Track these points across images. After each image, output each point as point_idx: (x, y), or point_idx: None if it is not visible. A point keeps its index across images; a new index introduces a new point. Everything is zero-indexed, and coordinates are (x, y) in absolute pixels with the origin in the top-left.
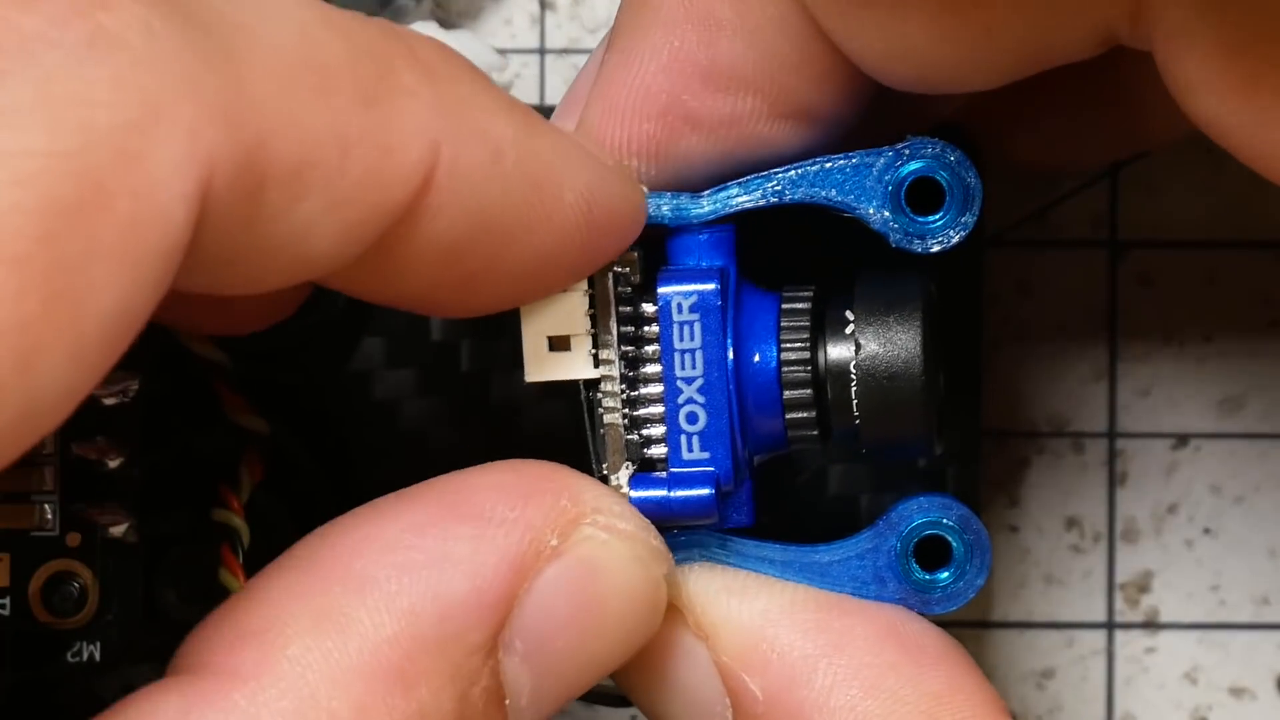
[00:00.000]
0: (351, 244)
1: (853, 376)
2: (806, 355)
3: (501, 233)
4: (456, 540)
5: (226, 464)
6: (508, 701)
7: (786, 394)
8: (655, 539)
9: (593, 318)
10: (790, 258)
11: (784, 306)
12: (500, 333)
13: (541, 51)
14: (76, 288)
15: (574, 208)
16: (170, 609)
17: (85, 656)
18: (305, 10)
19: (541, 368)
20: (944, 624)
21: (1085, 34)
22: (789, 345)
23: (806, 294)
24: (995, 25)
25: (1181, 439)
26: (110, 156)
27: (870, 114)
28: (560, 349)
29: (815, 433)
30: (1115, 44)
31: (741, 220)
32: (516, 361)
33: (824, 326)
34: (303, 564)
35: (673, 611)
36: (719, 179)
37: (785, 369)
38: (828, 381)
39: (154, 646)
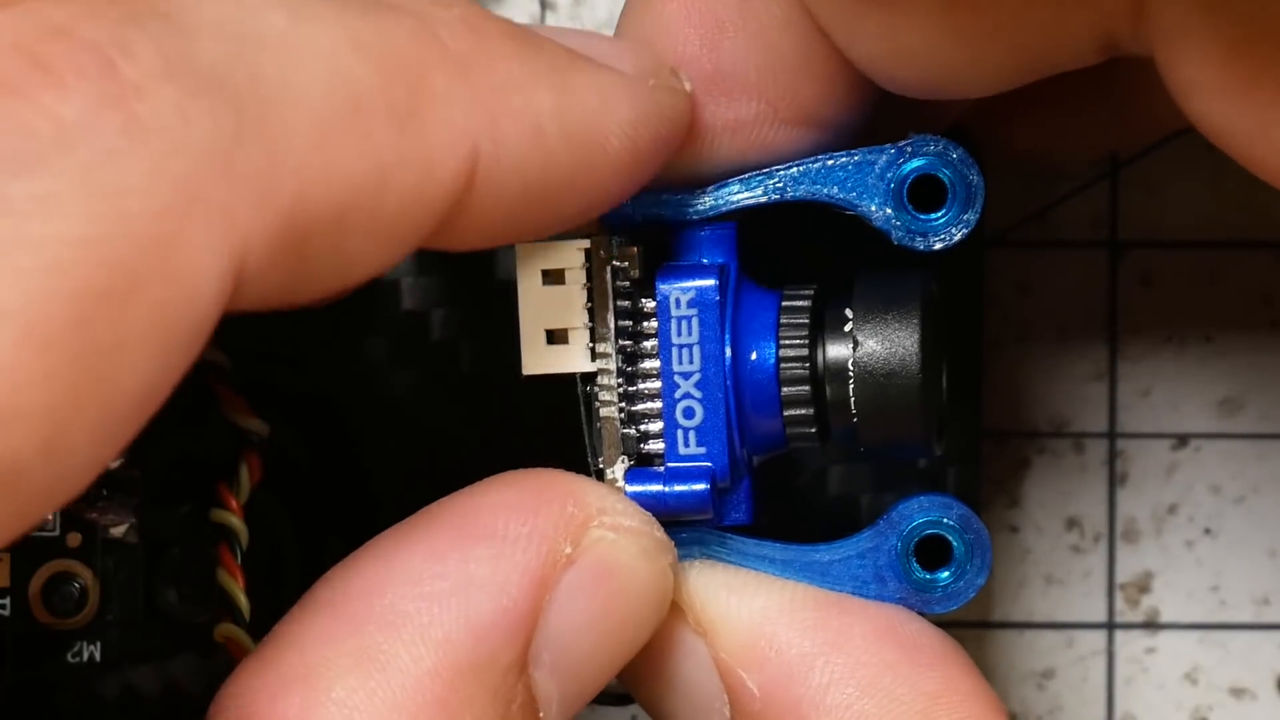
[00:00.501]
0: (395, 256)
1: (850, 374)
2: (805, 353)
3: (547, 197)
4: (477, 562)
5: (226, 464)
6: (541, 714)
7: (784, 391)
8: (658, 531)
9: (590, 311)
10: (792, 257)
11: (784, 304)
12: (501, 332)
13: None
14: (104, 372)
15: (619, 151)
16: (170, 609)
17: (85, 656)
18: (334, 38)
19: (539, 360)
20: (944, 624)
21: (1087, 38)
22: (787, 342)
23: (807, 292)
24: (996, 29)
25: (1181, 439)
26: (143, 243)
27: (876, 120)
28: (558, 342)
29: (813, 430)
30: (1116, 51)
31: (744, 219)
32: (515, 358)
33: (823, 324)
34: (330, 605)
35: (673, 608)
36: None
37: (783, 366)
38: (826, 379)
39: (154, 646)
